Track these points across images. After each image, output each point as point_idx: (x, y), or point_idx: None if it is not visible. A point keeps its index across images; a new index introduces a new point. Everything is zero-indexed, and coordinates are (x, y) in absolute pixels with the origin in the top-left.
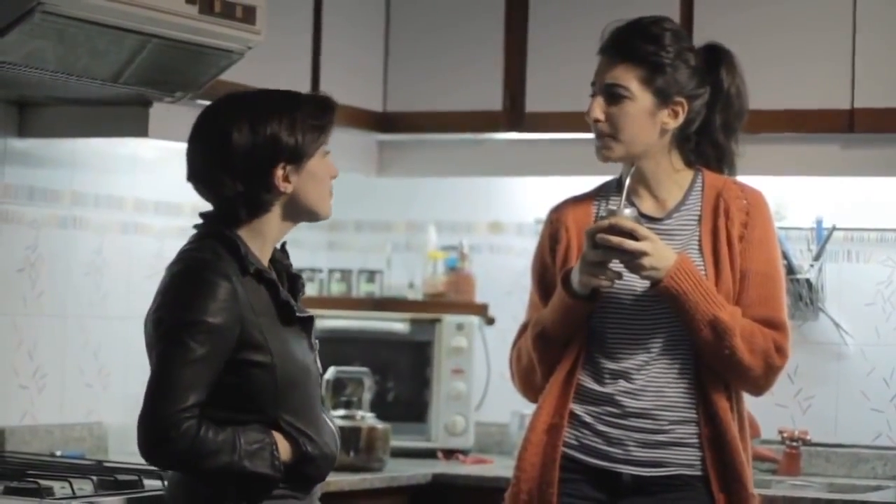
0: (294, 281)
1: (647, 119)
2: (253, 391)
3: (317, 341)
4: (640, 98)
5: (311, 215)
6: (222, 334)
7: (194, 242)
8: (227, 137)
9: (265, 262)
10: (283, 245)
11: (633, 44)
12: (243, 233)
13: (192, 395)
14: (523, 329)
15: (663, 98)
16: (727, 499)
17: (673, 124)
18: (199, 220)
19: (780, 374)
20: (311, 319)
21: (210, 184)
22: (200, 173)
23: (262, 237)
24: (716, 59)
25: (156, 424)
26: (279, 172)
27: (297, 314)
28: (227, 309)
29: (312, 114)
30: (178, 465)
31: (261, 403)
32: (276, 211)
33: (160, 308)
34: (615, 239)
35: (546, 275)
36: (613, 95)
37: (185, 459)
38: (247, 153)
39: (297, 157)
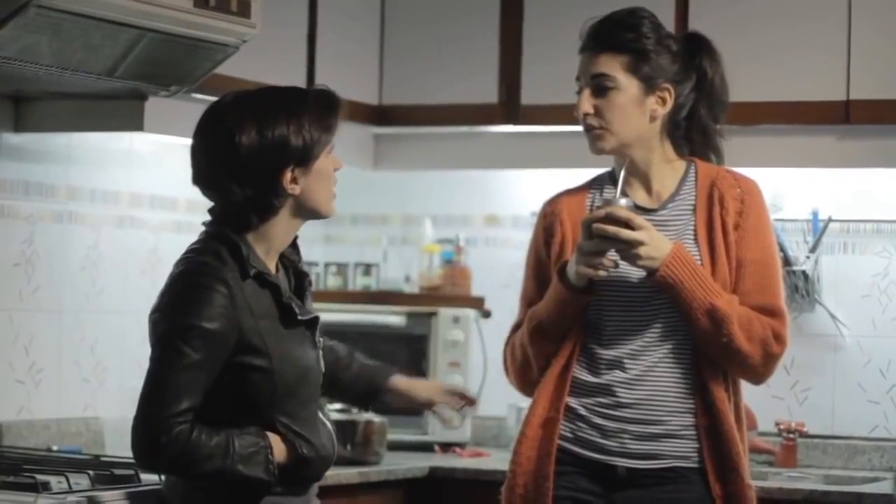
0: (301, 279)
1: (636, 108)
2: (250, 395)
3: (321, 339)
4: (626, 87)
5: (315, 214)
6: (218, 340)
7: (199, 243)
8: (234, 141)
9: (272, 263)
10: (294, 240)
11: (613, 34)
12: (251, 236)
13: (185, 399)
14: (517, 326)
15: (649, 85)
16: (724, 489)
17: (662, 111)
18: (208, 217)
19: (780, 362)
20: (315, 320)
21: (218, 189)
22: (207, 178)
23: (270, 240)
24: (697, 48)
25: (147, 430)
26: (287, 175)
27: (300, 317)
28: (224, 315)
29: (319, 113)
30: (170, 470)
31: (258, 406)
32: (283, 213)
33: (158, 309)
34: (611, 228)
35: (541, 269)
36: (600, 87)
37: (176, 464)
38: (254, 158)
39: (305, 159)
